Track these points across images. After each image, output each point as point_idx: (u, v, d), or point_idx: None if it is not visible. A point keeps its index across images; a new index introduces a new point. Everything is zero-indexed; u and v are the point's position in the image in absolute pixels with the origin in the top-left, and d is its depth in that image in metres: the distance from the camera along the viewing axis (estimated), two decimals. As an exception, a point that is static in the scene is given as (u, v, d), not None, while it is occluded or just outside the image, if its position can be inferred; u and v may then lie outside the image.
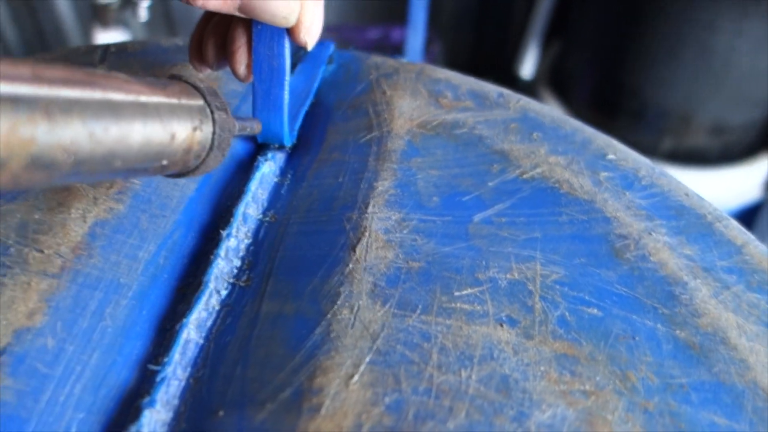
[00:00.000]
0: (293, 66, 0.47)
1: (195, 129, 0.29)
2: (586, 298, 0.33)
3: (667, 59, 1.21)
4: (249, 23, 0.37)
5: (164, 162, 0.28)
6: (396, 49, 1.42)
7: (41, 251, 0.33)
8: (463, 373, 0.29)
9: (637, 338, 0.31)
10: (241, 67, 0.38)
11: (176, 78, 0.31)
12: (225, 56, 0.38)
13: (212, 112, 0.31)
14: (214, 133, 0.31)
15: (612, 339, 0.31)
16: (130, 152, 0.25)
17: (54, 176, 0.22)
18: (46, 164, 0.21)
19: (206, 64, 0.39)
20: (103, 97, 0.24)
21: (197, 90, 0.31)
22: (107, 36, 1.27)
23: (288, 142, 0.42)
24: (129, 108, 0.25)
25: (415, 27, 1.31)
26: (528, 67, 1.53)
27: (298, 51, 0.49)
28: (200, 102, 0.31)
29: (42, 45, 1.44)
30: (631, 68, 1.29)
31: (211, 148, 0.31)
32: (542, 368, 0.30)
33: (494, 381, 0.29)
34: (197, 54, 0.39)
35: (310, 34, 0.36)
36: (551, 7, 1.45)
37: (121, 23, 1.33)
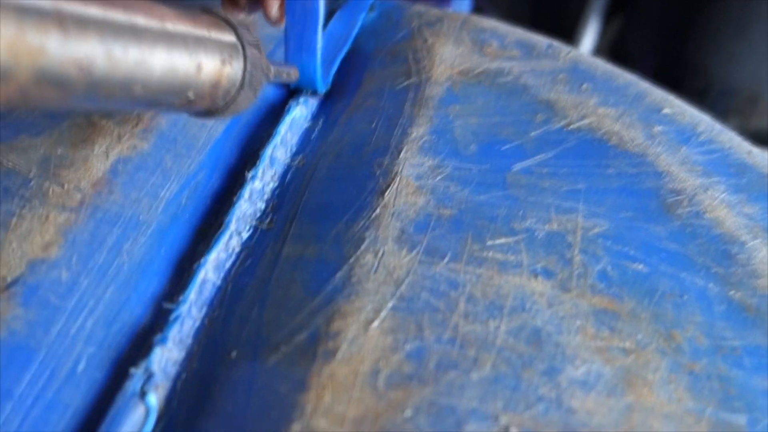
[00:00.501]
0: (332, 12, 0.45)
1: (224, 62, 0.28)
2: (631, 252, 0.30)
3: (735, 35, 1.15)
4: None
5: (190, 95, 0.26)
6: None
7: (61, 185, 0.32)
8: (492, 324, 0.27)
9: (685, 297, 0.29)
10: (274, 9, 0.37)
11: (206, 12, 0.29)
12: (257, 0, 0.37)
13: (243, 48, 0.29)
14: (245, 69, 0.29)
15: (658, 296, 0.29)
16: (151, 78, 0.23)
17: (68, 96, 0.20)
18: (57, 80, 0.19)
19: (238, 7, 0.37)
20: (125, 17, 0.22)
21: (228, 25, 0.29)
22: None
23: (321, 88, 0.40)
24: (153, 32, 0.23)
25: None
26: (587, 42, 1.47)
27: (339, -3, 0.47)
28: (231, 37, 0.29)
29: None
30: (696, 44, 1.23)
31: (241, 85, 0.29)
32: (578, 322, 0.27)
33: (524, 333, 0.27)
34: None
35: None
36: (614, -20, 1.39)
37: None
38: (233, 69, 0.28)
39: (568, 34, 1.57)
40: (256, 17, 0.43)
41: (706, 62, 1.22)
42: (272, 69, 0.32)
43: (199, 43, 0.26)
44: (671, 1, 1.26)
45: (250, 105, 0.31)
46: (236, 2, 0.37)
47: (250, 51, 0.30)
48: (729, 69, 1.20)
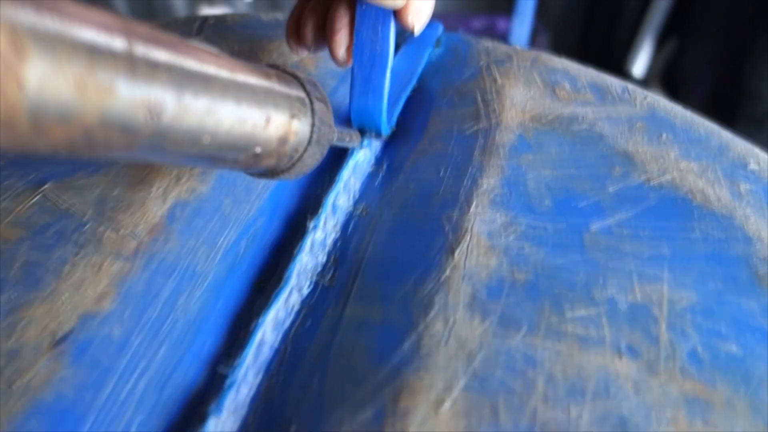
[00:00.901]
0: (397, 47, 0.43)
1: (293, 117, 0.26)
2: (723, 330, 0.28)
3: (794, 63, 1.11)
4: (352, 3, 0.34)
5: (257, 150, 0.25)
6: (501, 40, 1.36)
7: (117, 231, 0.31)
8: (573, 410, 0.25)
9: (785, 386, 0.26)
10: (341, 51, 0.35)
11: (274, 67, 0.28)
12: (324, 38, 0.35)
13: (311, 102, 0.28)
14: (312, 125, 0.28)
15: (755, 383, 0.26)
16: (220, 128, 0.22)
17: (133, 142, 0.19)
18: (125, 123, 0.18)
19: (304, 45, 0.36)
20: (197, 64, 0.21)
21: (296, 79, 0.28)
22: (213, 11, 1.28)
23: (386, 131, 0.38)
24: (223, 81, 0.22)
25: (521, 17, 1.25)
26: (640, 64, 1.44)
27: (403, 32, 0.45)
28: (299, 92, 0.27)
29: (149, 18, 1.46)
30: (755, 71, 1.19)
31: (309, 142, 0.28)
32: (669, 412, 0.25)
33: (610, 422, 0.24)
34: (295, 34, 0.36)
35: (419, 17, 0.32)
36: (670, 1, 1.35)
37: (227, 1, 1.34)
38: (301, 125, 0.27)
39: (620, 55, 1.54)
40: (319, 53, 0.41)
41: (763, 90, 1.18)
42: (335, 131, 0.31)
43: (269, 95, 0.25)
44: (728, 26, 1.23)
45: (316, 163, 0.29)
46: (302, 39, 0.35)
47: (318, 106, 0.28)
48: (788, 97, 1.15)
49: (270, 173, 0.28)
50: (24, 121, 0.15)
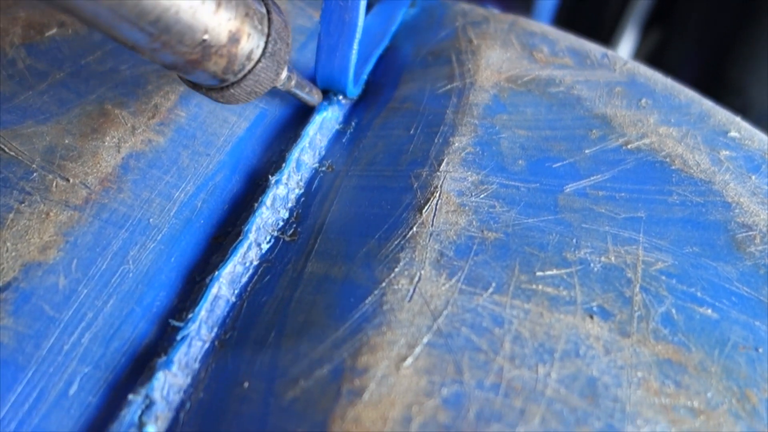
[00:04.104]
0: (370, 5, 0.41)
1: (247, 15, 0.24)
2: (699, 294, 0.27)
3: (777, 58, 1.11)
4: None
5: (205, 36, 0.23)
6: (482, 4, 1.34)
7: (66, 179, 0.29)
8: (541, 370, 0.24)
9: (760, 350, 0.25)
10: None
11: None
12: None
13: (269, 13, 0.26)
14: (268, 35, 0.26)
15: (729, 348, 0.25)
16: None
17: None
18: None
19: None
20: None
21: None
22: None
23: (352, 94, 0.37)
24: None
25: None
26: (623, 53, 1.43)
27: (378, -9, 0.44)
28: (259, 2, 0.26)
29: None
30: (738, 64, 1.18)
31: (263, 53, 0.26)
32: (639, 374, 0.24)
33: (579, 383, 0.23)
34: None
35: None
36: (654, -8, 1.35)
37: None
38: (255, 30, 0.25)
39: (603, 44, 1.53)
40: (288, 5, 0.40)
41: (745, 82, 1.17)
42: (296, 73, 0.29)
43: None
44: (714, 18, 1.22)
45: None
46: None
47: (276, 20, 0.26)
48: (768, 91, 1.15)
49: (219, 86, 0.26)
50: None
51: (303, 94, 0.32)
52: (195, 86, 0.27)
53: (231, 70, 0.25)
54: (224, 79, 0.25)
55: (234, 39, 0.24)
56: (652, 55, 1.41)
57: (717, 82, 1.22)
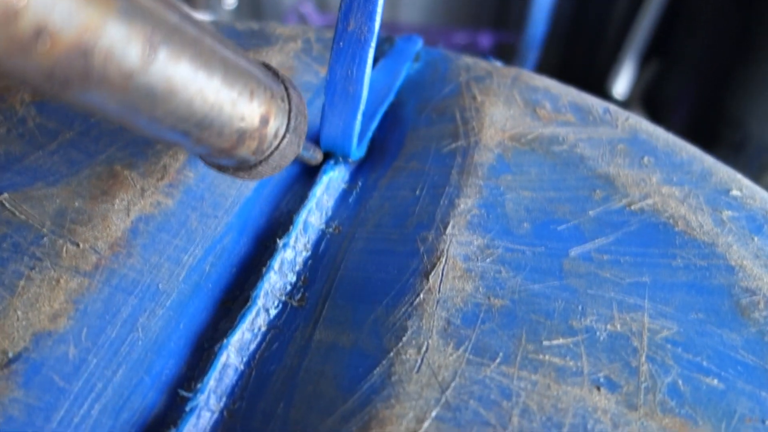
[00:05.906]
0: (375, 61, 0.42)
1: (273, 96, 0.25)
2: (704, 364, 0.27)
3: (775, 92, 1.12)
4: None
5: (242, 124, 0.23)
6: (484, 56, 1.35)
7: (76, 244, 0.29)
8: (549, 445, 0.24)
9: (767, 422, 0.25)
10: None
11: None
12: None
13: (287, 89, 0.27)
14: (290, 110, 0.26)
15: (736, 420, 0.25)
16: (210, 84, 0.20)
17: (129, 83, 0.17)
18: (123, 52, 0.16)
19: None
20: (190, 17, 0.19)
21: (270, 68, 0.27)
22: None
23: (356, 157, 0.37)
24: (213, 43, 0.21)
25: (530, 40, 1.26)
26: (621, 86, 1.44)
27: (382, 45, 0.44)
28: (275, 79, 0.26)
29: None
30: (736, 96, 1.19)
31: (287, 128, 0.26)
32: (647, 449, 0.24)
33: (586, 459, 0.24)
34: None
35: None
36: (653, 24, 1.36)
37: (210, 8, 1.33)
38: (279, 108, 0.26)
39: (601, 76, 1.54)
40: (295, 63, 0.40)
41: (743, 116, 1.18)
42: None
43: (251, 70, 0.23)
44: (714, 50, 1.23)
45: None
46: None
47: (294, 94, 0.27)
48: (767, 125, 1.16)
49: (248, 166, 0.26)
50: (26, 21, 0.14)
51: (307, 155, 0.33)
52: (221, 168, 0.27)
53: (260, 150, 0.26)
54: (252, 161, 0.26)
55: (264, 121, 0.24)
56: (650, 86, 1.42)
57: (716, 114, 1.23)
